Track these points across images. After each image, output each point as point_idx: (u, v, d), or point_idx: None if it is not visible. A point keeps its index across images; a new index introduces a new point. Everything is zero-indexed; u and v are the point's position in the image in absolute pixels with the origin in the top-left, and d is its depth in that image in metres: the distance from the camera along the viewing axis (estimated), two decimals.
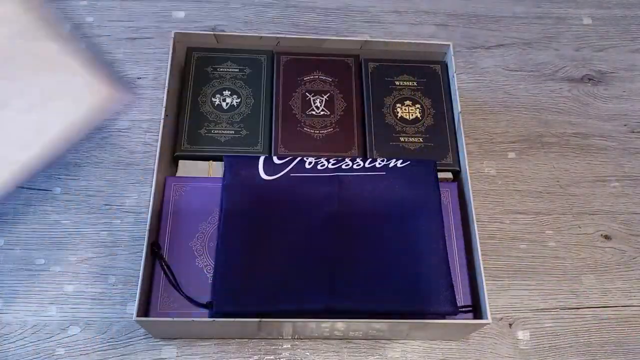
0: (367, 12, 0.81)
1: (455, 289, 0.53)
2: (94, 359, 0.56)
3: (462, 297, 0.54)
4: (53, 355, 0.56)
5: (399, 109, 0.64)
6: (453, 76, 0.64)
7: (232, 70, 0.65)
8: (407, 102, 0.64)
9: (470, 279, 0.55)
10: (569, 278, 0.64)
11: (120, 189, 0.64)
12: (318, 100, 0.63)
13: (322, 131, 0.62)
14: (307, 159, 0.57)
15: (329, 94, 0.64)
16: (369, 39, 0.67)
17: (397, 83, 0.65)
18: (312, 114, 0.62)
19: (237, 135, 0.61)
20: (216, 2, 0.79)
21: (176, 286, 0.51)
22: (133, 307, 0.49)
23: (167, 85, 0.59)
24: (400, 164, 0.57)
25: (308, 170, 0.56)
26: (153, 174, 0.55)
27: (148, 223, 0.52)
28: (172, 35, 0.62)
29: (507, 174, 0.70)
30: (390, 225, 0.55)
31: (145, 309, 0.51)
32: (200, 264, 0.53)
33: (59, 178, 0.65)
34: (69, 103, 0.54)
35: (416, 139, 0.62)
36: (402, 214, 0.55)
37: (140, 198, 0.64)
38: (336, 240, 0.53)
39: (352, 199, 0.56)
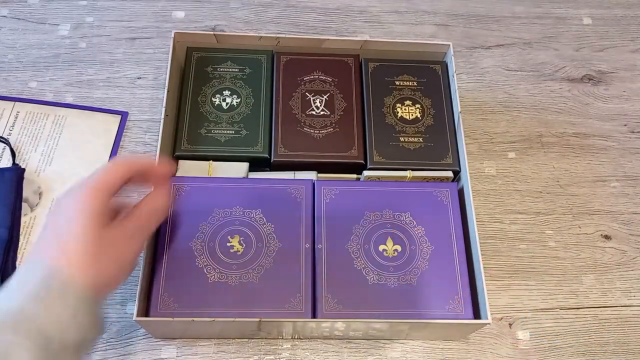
0: (367, 12, 0.81)
1: (455, 289, 0.53)
2: (94, 359, 0.56)
3: (462, 297, 0.54)
4: None
5: (399, 109, 0.64)
6: (453, 76, 0.64)
7: (232, 70, 0.65)
8: (407, 102, 0.64)
9: (470, 279, 0.55)
10: (569, 278, 0.64)
11: (120, 189, 0.64)
12: (318, 100, 0.63)
13: (322, 131, 0.62)
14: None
15: (329, 94, 0.64)
16: (369, 39, 0.67)
17: (397, 83, 0.65)
18: (312, 114, 0.62)
19: (237, 135, 0.61)
20: (216, 2, 0.79)
21: None
22: (133, 307, 0.49)
23: (167, 85, 0.59)
24: None
25: None
26: None
27: None
28: (172, 35, 0.62)
29: (507, 174, 0.70)
30: None
31: (145, 309, 0.51)
32: (200, 264, 0.53)
33: None
34: None
35: (416, 139, 0.62)
36: None
37: (141, 198, 0.64)
38: None
39: None
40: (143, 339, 0.57)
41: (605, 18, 0.83)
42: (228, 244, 0.54)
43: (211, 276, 0.53)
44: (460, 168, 0.61)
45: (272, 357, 0.57)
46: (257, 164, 0.61)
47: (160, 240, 0.54)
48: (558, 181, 0.70)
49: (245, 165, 0.60)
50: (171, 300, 0.51)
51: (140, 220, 0.46)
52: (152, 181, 0.50)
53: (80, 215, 0.42)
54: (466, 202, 0.57)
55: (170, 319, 0.49)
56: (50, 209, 0.45)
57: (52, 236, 0.42)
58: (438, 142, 0.62)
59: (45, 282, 0.39)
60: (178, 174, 0.59)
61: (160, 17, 0.77)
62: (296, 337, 0.58)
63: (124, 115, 0.69)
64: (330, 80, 0.65)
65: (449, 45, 0.65)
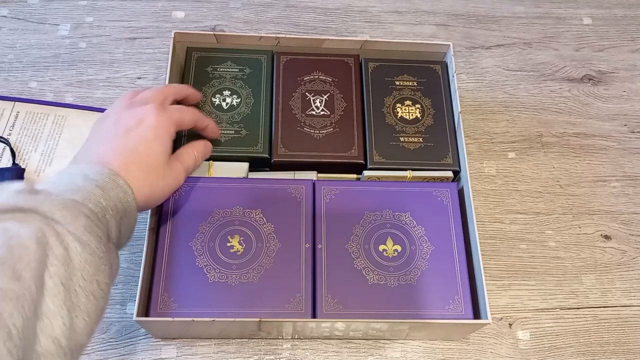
0: (367, 12, 0.81)
1: (455, 289, 0.53)
2: (93, 359, 0.56)
3: (462, 297, 0.54)
4: None
5: (399, 109, 0.64)
6: (453, 76, 0.64)
7: (232, 70, 0.65)
8: (407, 102, 0.64)
9: (470, 279, 0.55)
10: (569, 278, 0.64)
11: None
12: (318, 100, 0.63)
13: (322, 131, 0.62)
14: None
15: (329, 94, 0.64)
16: (369, 39, 0.67)
17: (397, 83, 0.65)
18: (312, 114, 0.62)
19: (237, 135, 0.61)
20: (216, 2, 0.79)
21: None
22: (133, 307, 0.49)
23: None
24: None
25: None
26: None
27: (148, 223, 0.52)
28: (172, 35, 0.62)
29: (507, 174, 0.70)
30: None
31: (145, 309, 0.51)
32: (200, 264, 0.53)
33: None
34: None
35: (416, 139, 0.62)
36: None
37: None
38: None
39: None
40: (143, 339, 0.57)
41: (605, 18, 0.83)
42: (228, 244, 0.54)
43: (211, 276, 0.53)
44: (460, 168, 0.61)
45: (272, 357, 0.57)
46: (257, 164, 0.61)
47: (160, 240, 0.54)
48: (558, 181, 0.70)
49: (245, 165, 0.60)
50: (171, 300, 0.52)
51: (187, 164, 0.53)
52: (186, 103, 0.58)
53: (158, 143, 0.48)
54: (466, 202, 0.57)
55: (170, 319, 0.49)
56: (112, 114, 0.49)
57: (119, 147, 0.46)
58: (438, 142, 0.62)
59: (109, 182, 0.42)
60: None
61: (160, 17, 0.77)
62: (296, 337, 0.58)
63: None
64: (330, 80, 0.65)
65: (449, 45, 0.65)
